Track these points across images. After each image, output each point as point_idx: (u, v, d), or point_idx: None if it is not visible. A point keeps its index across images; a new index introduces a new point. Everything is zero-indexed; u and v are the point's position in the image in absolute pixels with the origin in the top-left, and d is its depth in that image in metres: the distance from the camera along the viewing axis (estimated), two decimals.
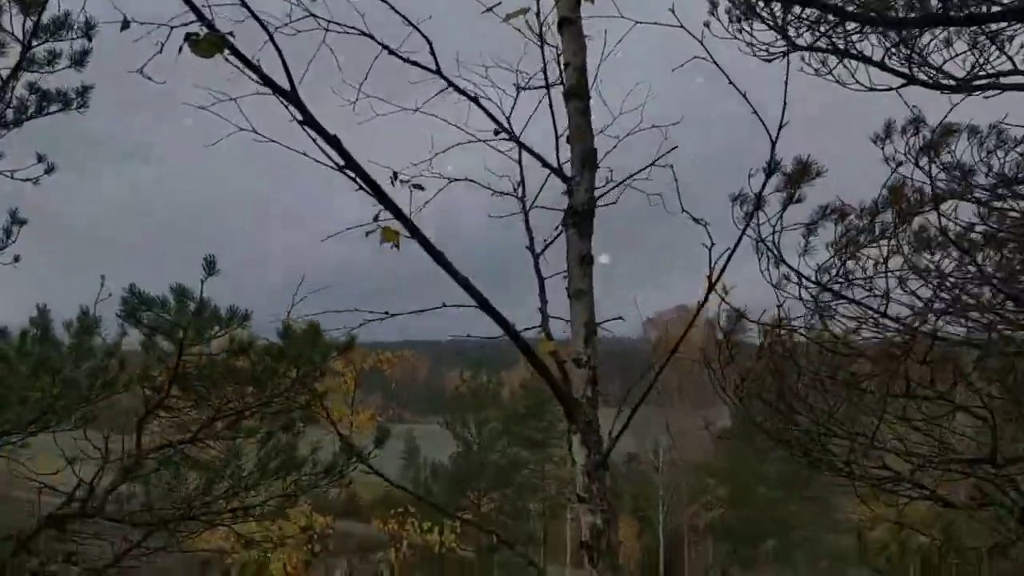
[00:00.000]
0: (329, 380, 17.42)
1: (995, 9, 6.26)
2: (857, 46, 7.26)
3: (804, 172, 5.96)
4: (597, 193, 5.50)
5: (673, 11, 4.99)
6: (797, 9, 6.78)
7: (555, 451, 47.15)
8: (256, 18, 4.62)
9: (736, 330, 5.94)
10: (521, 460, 50.29)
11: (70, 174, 8.28)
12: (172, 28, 4.39)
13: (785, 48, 6.85)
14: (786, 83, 4.78)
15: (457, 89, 5.74)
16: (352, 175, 4.74)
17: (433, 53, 5.62)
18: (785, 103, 4.77)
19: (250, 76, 4.75)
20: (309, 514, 17.62)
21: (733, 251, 4.75)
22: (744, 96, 4.72)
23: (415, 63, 5.68)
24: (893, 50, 7.14)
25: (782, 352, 5.86)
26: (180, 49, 4.65)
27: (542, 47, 5.85)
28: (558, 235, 5.74)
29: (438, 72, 5.69)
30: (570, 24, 5.46)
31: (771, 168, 5.27)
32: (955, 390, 5.48)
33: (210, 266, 6.81)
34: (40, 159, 7.90)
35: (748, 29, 7.22)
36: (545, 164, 5.63)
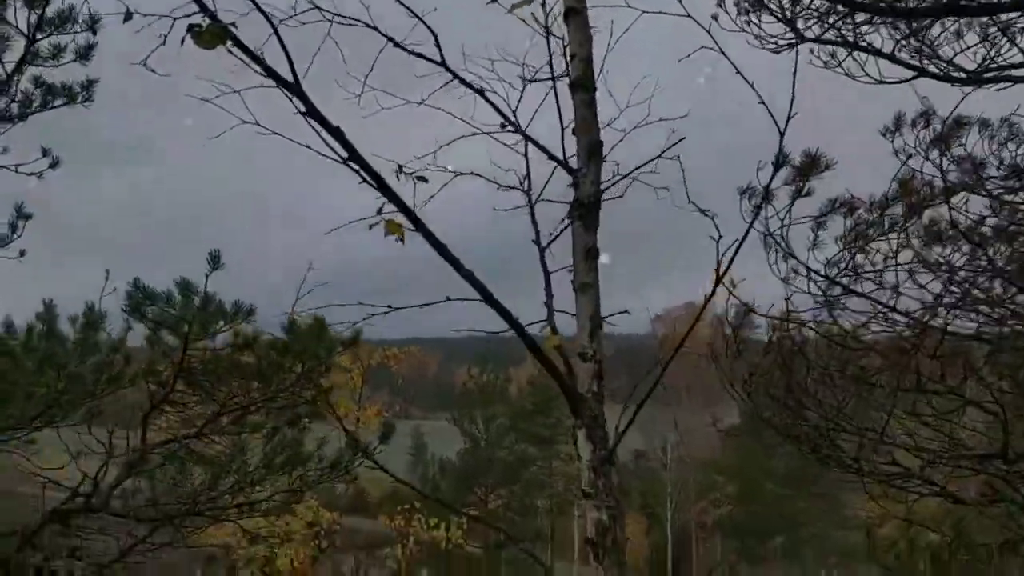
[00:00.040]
0: (336, 376, 17.42)
1: None
2: (867, 38, 7.18)
3: (813, 165, 5.90)
4: (603, 187, 5.45)
5: (681, 1, 4.94)
6: (806, 0, 6.70)
7: (563, 448, 47.09)
8: (260, 9, 4.57)
9: (744, 325, 5.88)
10: (529, 457, 50.29)
11: (72, 170, 8.22)
12: (175, 20, 4.36)
13: (793, 40, 6.77)
14: (795, 74, 4.72)
15: (462, 81, 5.69)
16: (355, 167, 4.69)
17: (438, 45, 5.56)
18: (794, 94, 4.71)
19: (253, 68, 4.71)
20: (316, 510, 17.60)
21: (741, 243, 4.69)
22: (752, 86, 4.66)
23: (420, 55, 5.62)
24: (903, 42, 7.05)
25: (791, 347, 5.80)
26: (182, 40, 4.62)
27: (548, 38, 5.80)
28: (564, 228, 5.68)
29: (443, 64, 5.63)
30: (576, 14, 5.40)
31: (779, 160, 5.21)
32: (966, 385, 5.41)
33: (214, 260, 6.78)
34: (45, 153, 7.87)
35: (756, 21, 7.14)
36: (551, 156, 5.58)
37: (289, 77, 4.65)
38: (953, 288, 6.01)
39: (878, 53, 7.10)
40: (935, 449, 5.86)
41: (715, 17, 5.83)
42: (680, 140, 5.24)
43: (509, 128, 5.92)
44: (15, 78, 7.46)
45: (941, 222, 6.41)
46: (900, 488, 6.42)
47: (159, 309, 7.18)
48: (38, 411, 7.64)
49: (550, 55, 5.78)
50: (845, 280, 6.14)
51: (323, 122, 4.65)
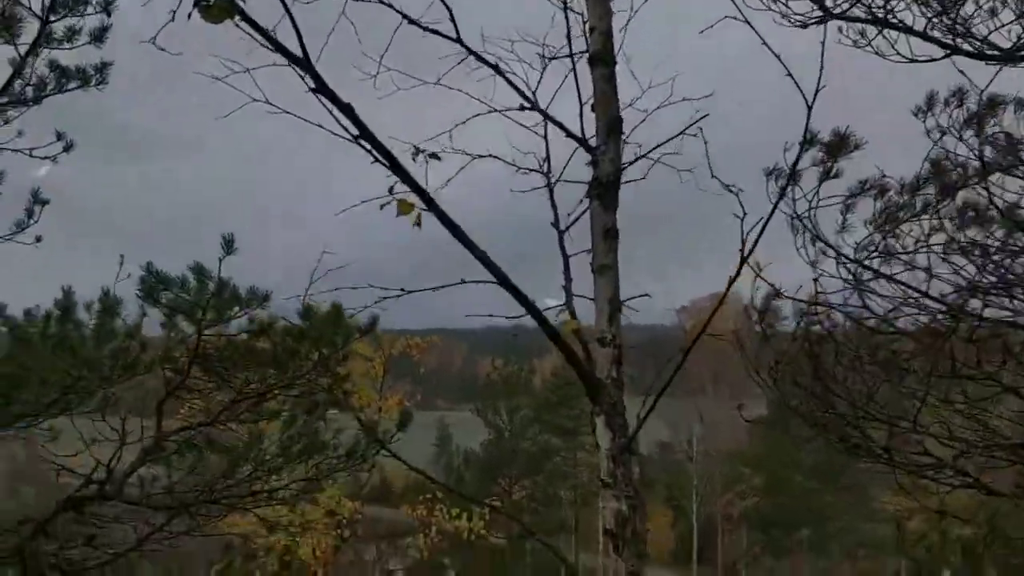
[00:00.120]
0: (358, 364, 17.34)
1: None
2: (898, 15, 6.96)
3: (842, 144, 5.70)
4: (624, 167, 5.29)
5: None
6: None
7: (586, 439, 46.86)
8: None
9: (771, 310, 5.68)
10: (552, 448, 50.21)
11: (87, 154, 8.14)
12: None
13: (821, 16, 6.55)
14: (823, 45, 4.54)
15: (478, 57, 5.54)
16: (366, 146, 4.56)
17: (453, 20, 5.42)
18: (822, 65, 4.53)
19: (262, 43, 4.59)
20: (338, 499, 17.55)
21: (766, 222, 4.52)
22: (779, 59, 4.48)
23: (435, 31, 5.48)
24: (935, 20, 6.82)
25: (819, 332, 5.60)
26: (189, 15, 4.50)
27: (566, 12, 5.64)
28: (584, 211, 5.53)
29: (458, 40, 5.49)
30: None
31: (807, 137, 5.02)
32: (1003, 370, 5.19)
33: (228, 245, 6.66)
34: (59, 137, 7.79)
35: None
36: (569, 134, 5.42)
37: (299, 54, 4.54)
38: (988, 271, 5.78)
39: (909, 31, 6.87)
40: (968, 438, 5.64)
41: None
42: (703, 117, 5.07)
43: (527, 106, 5.78)
44: (29, 60, 7.37)
45: (975, 203, 6.18)
46: (932, 479, 6.20)
47: (173, 294, 7.08)
48: (53, 397, 7.57)
49: (568, 30, 5.62)
50: (875, 263, 5.92)
51: (333, 99, 4.52)
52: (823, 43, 4.66)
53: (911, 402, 5.34)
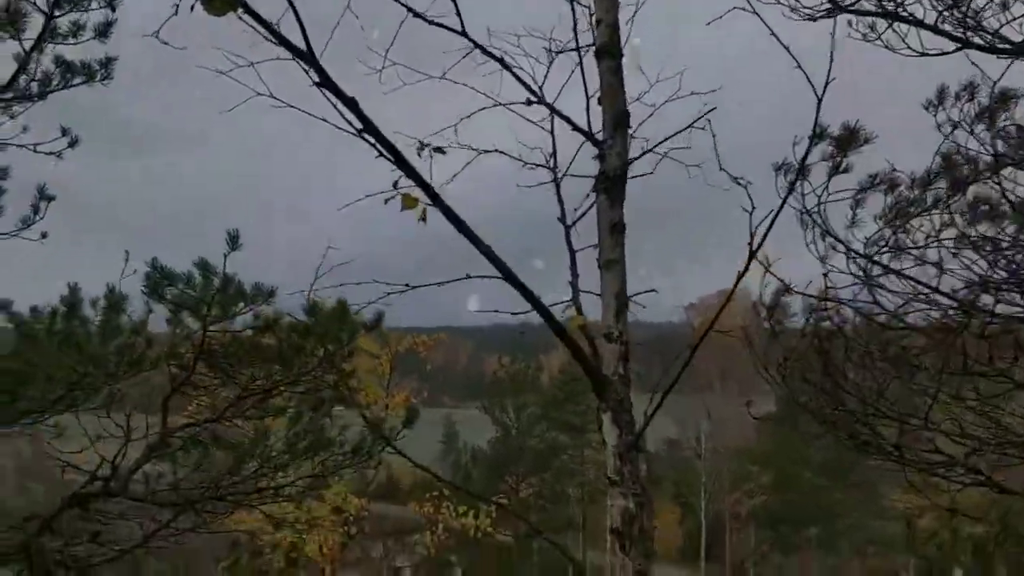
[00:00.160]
0: (364, 361, 17.32)
1: None
2: (908, 8, 6.89)
3: (852, 138, 5.64)
4: (631, 161, 5.24)
5: None
6: None
7: (594, 436, 46.64)
8: None
9: (780, 305, 5.62)
10: (559, 445, 50.13)
11: (91, 149, 8.12)
12: None
13: (830, 8, 6.49)
14: (832, 37, 4.48)
15: (484, 51, 5.50)
16: (370, 140, 4.52)
17: (459, 13, 5.38)
18: (832, 57, 4.47)
19: (266, 36, 4.56)
20: (345, 496, 17.55)
21: (776, 216, 4.46)
22: (788, 50, 4.42)
23: (441, 24, 5.44)
24: (946, 13, 6.75)
25: (829, 327, 5.54)
26: (192, 7, 4.46)
27: (572, 5, 5.58)
28: (591, 206, 5.48)
29: (463, 34, 5.44)
30: None
31: (816, 130, 4.97)
32: (1015, 367, 5.12)
33: (233, 240, 6.63)
34: (64, 132, 7.77)
35: None
36: (576, 128, 5.37)
37: (303, 47, 4.50)
38: (1000, 267, 5.71)
39: (920, 24, 6.80)
40: (980, 436, 5.57)
41: None
42: (711, 110, 5.02)
43: (534, 100, 5.73)
44: (33, 56, 7.35)
45: (987, 198, 6.11)
46: (943, 477, 6.13)
47: (178, 290, 7.05)
48: (59, 394, 7.55)
49: (575, 22, 5.57)
50: (885, 259, 5.86)
51: (337, 92, 4.49)
52: (832, 34, 4.60)
53: (922, 399, 5.28)
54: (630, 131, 5.29)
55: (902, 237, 6.11)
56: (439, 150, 4.85)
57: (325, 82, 4.46)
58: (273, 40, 4.51)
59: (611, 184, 4.94)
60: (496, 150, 6.15)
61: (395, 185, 4.49)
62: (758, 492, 49.86)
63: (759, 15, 4.53)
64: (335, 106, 4.55)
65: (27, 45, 7.35)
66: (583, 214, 5.70)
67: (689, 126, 5.09)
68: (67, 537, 7.36)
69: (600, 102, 5.12)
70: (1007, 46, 6.57)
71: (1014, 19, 6.55)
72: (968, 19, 6.68)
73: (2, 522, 7.83)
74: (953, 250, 6.00)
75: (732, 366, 46.47)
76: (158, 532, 7.92)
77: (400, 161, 4.33)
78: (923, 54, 6.94)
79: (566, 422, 49.21)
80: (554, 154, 6.09)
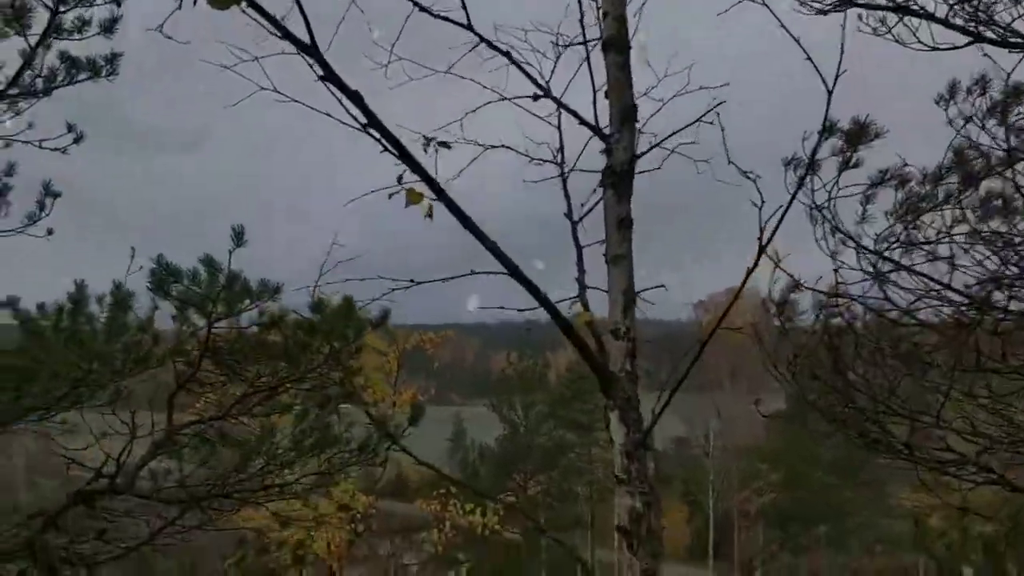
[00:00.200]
0: (371, 358, 17.28)
1: None
2: (919, 2, 6.81)
3: (862, 133, 5.57)
4: (639, 156, 5.18)
5: None
6: None
7: (601, 434, 46.68)
8: None
9: (789, 302, 5.56)
10: (567, 443, 50.04)
11: (96, 145, 8.11)
12: None
13: (840, 1, 6.41)
14: (843, 27, 4.42)
15: (490, 45, 5.44)
16: (375, 134, 4.47)
17: (465, 7, 5.32)
18: (843, 48, 4.40)
19: (270, 30, 4.52)
20: (352, 494, 17.53)
21: (786, 211, 4.40)
22: (798, 42, 4.36)
23: (446, 18, 5.38)
24: (957, 7, 6.68)
25: (839, 323, 5.47)
26: (195, 1, 4.43)
27: None
28: (598, 202, 5.43)
29: (469, 27, 5.38)
30: None
31: (826, 125, 4.90)
32: None
33: (238, 236, 6.59)
34: (70, 128, 7.76)
35: None
36: (583, 122, 5.31)
37: (307, 41, 4.46)
38: (1012, 263, 5.64)
39: (931, 18, 6.72)
40: (992, 434, 5.50)
41: None
42: (719, 104, 4.95)
43: (541, 94, 5.67)
44: (39, 52, 7.33)
45: (999, 193, 6.04)
46: (954, 476, 6.07)
47: (184, 287, 7.02)
48: (64, 391, 7.53)
49: (581, 15, 5.51)
50: (896, 255, 5.79)
51: (341, 86, 4.44)
52: (843, 26, 4.54)
53: (934, 396, 5.21)
54: (638, 126, 5.24)
55: (913, 233, 6.05)
56: (444, 145, 4.79)
57: (329, 76, 4.41)
58: (277, 34, 4.47)
59: (618, 179, 4.88)
60: (503, 145, 6.10)
61: (400, 180, 4.44)
62: (767, 490, 49.73)
63: (768, 7, 4.47)
64: (340, 101, 4.50)
65: (32, 41, 7.34)
66: (590, 210, 5.65)
67: (698, 120, 5.03)
68: (72, 534, 7.34)
69: (607, 96, 5.06)
70: (1019, 40, 6.50)
71: None
72: (980, 13, 6.60)
73: (12, 519, 7.82)
74: (965, 246, 5.94)
75: (741, 364, 46.40)
76: (164, 529, 7.90)
77: (404, 155, 4.28)
78: (934, 48, 6.86)
79: (574, 420, 49.11)
80: (561, 149, 6.04)
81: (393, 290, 4.94)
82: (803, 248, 5.83)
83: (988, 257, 5.53)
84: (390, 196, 4.44)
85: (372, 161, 4.69)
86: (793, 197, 4.80)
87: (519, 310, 5.14)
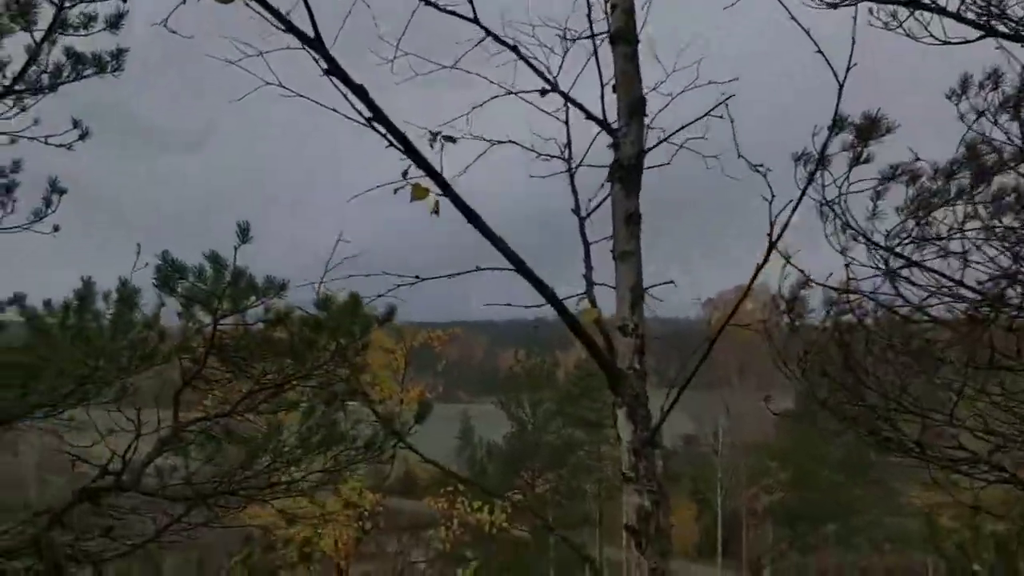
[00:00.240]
0: (379, 356, 17.25)
1: None
2: None
3: (873, 128, 5.50)
4: (648, 152, 5.13)
5: None
6: None
7: (610, 432, 46.51)
8: None
9: (799, 298, 5.49)
10: (576, 441, 50.00)
11: (97, 145, 8.08)
12: None
13: None
14: (855, 19, 4.35)
15: (496, 38, 5.39)
16: (380, 129, 4.44)
17: (471, 1, 5.27)
18: (854, 40, 4.34)
19: (274, 24, 4.48)
20: (360, 491, 17.51)
21: (796, 206, 4.34)
22: (808, 33, 4.30)
23: (453, 12, 5.34)
24: (969, 1, 6.60)
25: (850, 320, 5.40)
26: None
27: None
28: (605, 197, 5.38)
29: (475, 21, 5.34)
30: None
31: (837, 119, 4.84)
32: None
33: (243, 233, 6.55)
34: (75, 124, 7.73)
35: None
36: (590, 116, 5.26)
37: (312, 35, 4.42)
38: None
39: (943, 12, 6.64)
40: (1005, 432, 5.43)
41: None
42: (729, 97, 4.90)
43: (548, 89, 5.62)
44: (44, 47, 7.30)
45: (1012, 189, 5.96)
46: (965, 474, 5.99)
47: (190, 283, 6.98)
48: (70, 388, 7.51)
49: (589, 8, 5.46)
50: (908, 251, 5.72)
51: (346, 80, 4.41)
52: (855, 18, 4.47)
53: (946, 394, 5.14)
54: (646, 120, 5.19)
55: (925, 229, 5.97)
56: (449, 139, 4.75)
57: (334, 70, 4.38)
58: (281, 27, 4.43)
59: (626, 173, 4.83)
60: (510, 140, 6.05)
61: (405, 175, 4.40)
62: (776, 488, 49.62)
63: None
64: (345, 96, 4.47)
65: (38, 37, 7.31)
66: (598, 205, 5.60)
67: (707, 113, 4.98)
68: (78, 531, 7.32)
69: (615, 90, 5.01)
70: None
71: None
72: (992, 6, 6.52)
73: (20, 516, 7.81)
74: (977, 242, 5.86)
75: (750, 361, 46.24)
76: (170, 526, 7.87)
77: (410, 149, 4.24)
78: (945, 42, 6.79)
79: (582, 418, 49.07)
80: (568, 145, 5.98)
81: (399, 286, 4.91)
82: (812, 245, 5.77)
83: (1001, 253, 5.46)
84: (395, 191, 4.40)
85: (377, 156, 4.65)
86: (803, 192, 4.75)
87: (526, 307, 5.10)
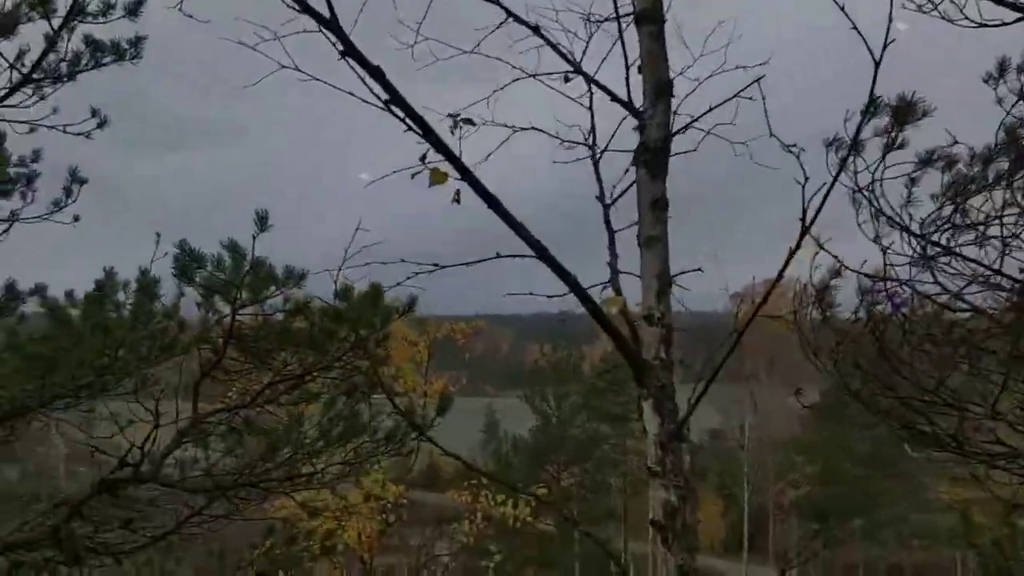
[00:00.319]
0: (402, 348, 17.18)
1: None
2: None
3: (909, 111, 5.31)
4: (675, 136, 4.97)
5: None
6: None
7: (635, 426, 46.24)
8: None
9: (831, 288, 5.31)
10: (601, 435, 49.81)
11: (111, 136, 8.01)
12: None
13: None
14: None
15: (518, 19, 5.25)
16: (398, 113, 4.31)
17: None
18: (891, 17, 4.16)
19: (289, 5, 4.38)
20: (383, 484, 17.48)
21: (829, 191, 4.17)
22: (843, 9, 4.12)
23: None
24: None
25: (885, 309, 5.22)
26: None
27: None
28: (631, 185, 5.22)
29: (497, 2, 5.20)
30: None
31: (872, 101, 4.66)
32: None
33: (262, 221, 6.46)
34: (94, 113, 7.68)
35: None
36: (615, 98, 5.10)
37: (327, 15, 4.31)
38: None
39: None
40: None
41: None
42: (760, 78, 4.73)
43: (571, 73, 5.48)
44: (62, 35, 7.23)
45: None
46: (1003, 469, 5.80)
47: (208, 273, 6.91)
48: (89, 379, 7.46)
49: None
50: (944, 239, 5.52)
51: (362, 61, 4.28)
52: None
53: (986, 386, 4.95)
54: (672, 106, 5.03)
55: (961, 216, 5.78)
56: (468, 121, 4.60)
57: (350, 51, 4.26)
58: (296, 7, 4.33)
59: (652, 156, 4.67)
60: (532, 127, 5.92)
61: (423, 159, 4.27)
62: (802, 483, 49.21)
63: None
64: (363, 80, 4.35)
65: (56, 24, 7.25)
66: (623, 192, 5.45)
67: (737, 94, 4.81)
68: (97, 523, 7.27)
69: (640, 71, 4.85)
70: None
71: None
72: None
73: (42, 507, 7.79)
74: (1016, 229, 5.66)
75: (778, 354, 45.71)
76: (191, 519, 7.82)
77: (427, 132, 4.11)
78: (982, 25, 6.59)
79: (607, 412, 48.85)
80: (592, 130, 5.84)
81: (417, 274, 4.78)
82: (844, 235, 5.60)
83: None
84: (413, 176, 4.27)
85: (394, 142, 4.54)
86: (836, 177, 4.57)
87: (549, 296, 4.96)
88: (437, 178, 4.26)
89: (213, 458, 7.65)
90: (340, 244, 5.72)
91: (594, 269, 5.55)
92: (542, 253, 4.20)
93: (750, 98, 4.74)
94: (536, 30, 5.27)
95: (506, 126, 5.75)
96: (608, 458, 49.89)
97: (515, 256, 4.36)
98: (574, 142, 5.93)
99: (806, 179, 4.18)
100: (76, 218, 8.26)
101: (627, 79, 5.16)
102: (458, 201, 4.47)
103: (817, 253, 4.78)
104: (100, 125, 7.73)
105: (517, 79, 5.53)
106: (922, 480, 40.52)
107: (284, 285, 7.03)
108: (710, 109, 4.92)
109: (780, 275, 4.33)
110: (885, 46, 4.22)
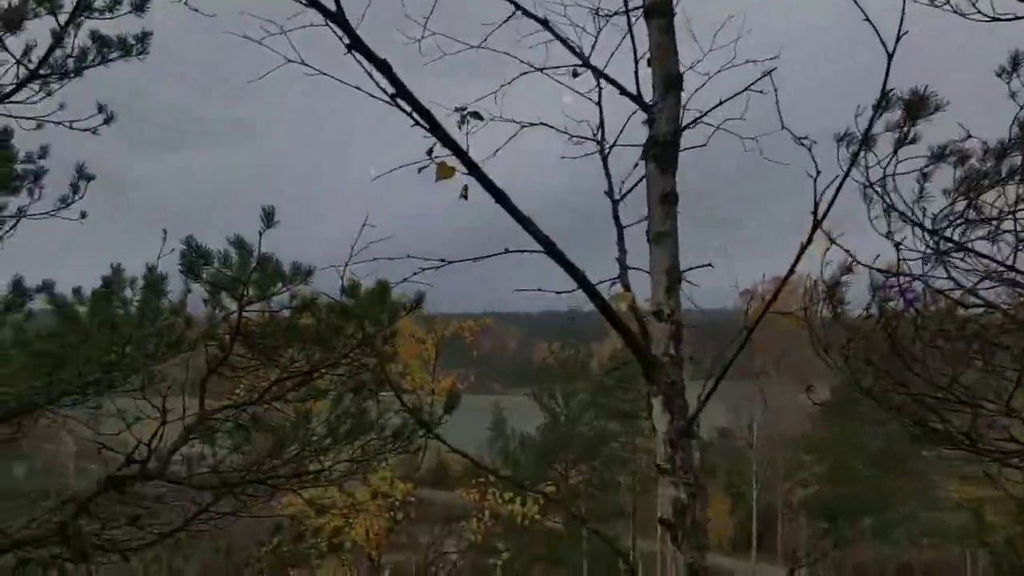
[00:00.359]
0: (409, 346, 17.15)
1: None
2: None
3: (922, 105, 5.25)
4: (684, 130, 4.93)
5: None
6: None
7: (644, 423, 46.19)
8: None
9: (842, 283, 5.25)
10: (609, 432, 49.73)
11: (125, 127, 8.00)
12: None
13: None
14: None
15: (526, 12, 5.21)
16: (405, 107, 4.27)
17: None
18: (904, 10, 4.10)
19: None
20: (391, 481, 17.47)
21: (841, 183, 4.12)
22: (855, 1, 4.06)
23: None
24: None
25: (897, 305, 5.16)
26: None
27: None
28: (640, 179, 5.18)
29: None
30: None
31: (885, 94, 4.60)
32: None
33: (268, 218, 6.43)
34: (100, 109, 7.66)
35: None
36: (624, 92, 5.05)
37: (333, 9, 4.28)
38: None
39: None
40: None
41: None
42: (771, 71, 4.67)
43: (580, 67, 5.43)
44: (69, 31, 7.21)
45: None
46: (1016, 467, 5.74)
47: (215, 269, 6.88)
48: (96, 376, 7.45)
49: None
50: (956, 234, 5.46)
51: (369, 55, 4.24)
52: None
53: (1001, 383, 4.89)
54: (682, 101, 4.99)
55: (974, 212, 5.72)
56: (476, 115, 4.56)
57: (356, 44, 4.22)
58: (303, 1, 4.29)
59: (661, 150, 4.62)
60: (540, 123, 5.87)
61: (430, 153, 4.23)
62: (811, 482, 49.05)
63: None
64: (370, 74, 4.31)
65: (62, 20, 7.23)
66: (632, 187, 5.40)
67: (748, 87, 4.76)
68: (104, 520, 7.26)
69: (649, 64, 4.80)
70: None
71: None
72: None
73: (49, 504, 7.79)
74: None
75: (788, 351, 45.54)
76: (198, 516, 7.80)
77: (434, 126, 4.07)
78: (995, 18, 6.53)
79: (616, 409, 48.76)
80: (601, 125, 5.79)
81: (424, 269, 4.74)
82: (855, 231, 5.54)
83: None
84: (419, 170, 4.24)
85: (397, 141, 4.51)
86: (847, 172, 4.52)
87: (557, 292, 4.92)
88: (444, 172, 4.22)
89: (220, 455, 7.63)
90: (341, 243, 5.69)
91: (603, 265, 5.51)
92: (550, 248, 4.16)
93: (761, 91, 4.69)
94: (545, 24, 5.23)
95: (514, 121, 5.71)
96: (617, 456, 49.80)
97: (523, 251, 4.33)
98: (583, 137, 5.88)
99: (818, 172, 4.12)
100: (83, 215, 8.27)
101: (636, 73, 5.12)
102: (465, 196, 4.43)
103: (828, 248, 4.72)
104: (107, 121, 7.72)
105: (525, 73, 5.49)
106: (932, 478, 40.37)
107: (291, 281, 7.00)
108: (720, 103, 4.87)
109: (791, 270, 4.28)
110: (899, 38, 4.16)
